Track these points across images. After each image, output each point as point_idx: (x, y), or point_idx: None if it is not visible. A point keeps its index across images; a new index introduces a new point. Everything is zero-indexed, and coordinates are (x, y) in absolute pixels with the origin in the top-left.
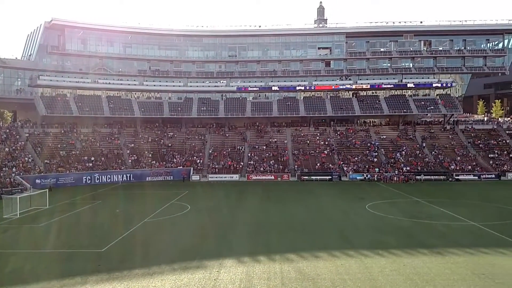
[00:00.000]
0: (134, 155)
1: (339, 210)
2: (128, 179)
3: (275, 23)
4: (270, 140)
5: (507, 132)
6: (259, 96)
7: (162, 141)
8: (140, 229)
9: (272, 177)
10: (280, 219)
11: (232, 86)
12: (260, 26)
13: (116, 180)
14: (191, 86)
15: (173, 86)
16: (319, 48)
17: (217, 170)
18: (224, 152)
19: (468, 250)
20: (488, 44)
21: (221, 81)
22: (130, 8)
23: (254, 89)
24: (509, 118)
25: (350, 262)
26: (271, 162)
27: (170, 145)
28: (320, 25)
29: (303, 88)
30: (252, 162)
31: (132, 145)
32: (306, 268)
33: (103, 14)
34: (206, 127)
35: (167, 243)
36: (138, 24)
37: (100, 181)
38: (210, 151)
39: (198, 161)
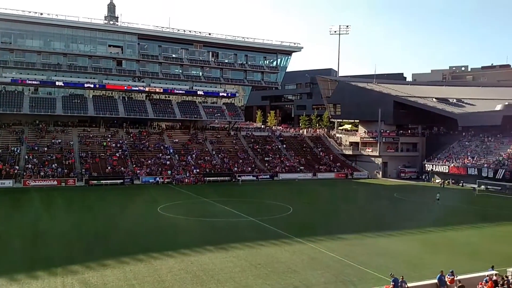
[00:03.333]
0: None
1: (131, 215)
2: None
3: (61, 13)
4: (53, 141)
5: (279, 138)
6: (40, 91)
7: None
8: None
9: (55, 182)
10: (64, 229)
11: (5, 77)
12: (42, 14)
13: None
14: None
15: None
16: (110, 46)
17: None
18: None
19: (248, 244)
20: (265, 61)
21: None
22: None
23: (34, 82)
24: (280, 127)
25: (139, 267)
26: (54, 165)
27: None
28: (111, 22)
29: (92, 86)
30: (30, 165)
31: None
32: (92, 278)
33: None
34: None
35: None
36: None
37: None
38: None
39: None
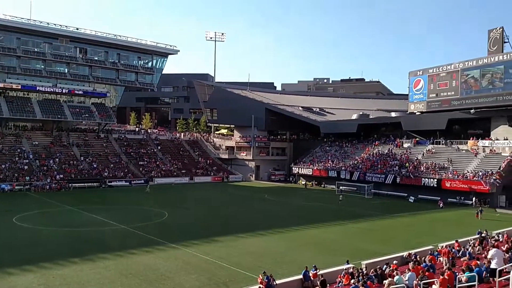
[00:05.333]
0: None
1: None
2: None
3: None
4: None
5: (155, 142)
6: None
7: None
8: None
9: None
10: None
11: None
12: None
13: None
14: None
15: None
16: None
17: None
18: None
19: (118, 253)
20: (140, 61)
21: None
22: None
23: None
24: (156, 130)
25: None
26: None
27: None
28: None
29: None
30: None
31: None
32: None
33: None
34: None
35: None
36: None
37: None
38: None
39: None
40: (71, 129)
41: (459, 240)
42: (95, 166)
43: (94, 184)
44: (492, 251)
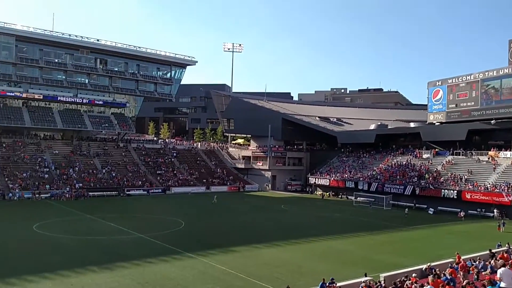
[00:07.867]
0: None
1: (2, 234)
2: None
3: None
4: None
5: (172, 151)
6: None
7: None
8: None
9: None
10: None
11: None
12: None
13: None
14: None
15: None
16: None
17: None
18: None
19: (135, 262)
20: (159, 72)
21: None
22: None
23: None
24: (174, 139)
25: None
26: None
27: None
28: None
29: None
30: None
31: None
32: None
33: None
34: None
35: None
36: None
37: None
38: None
39: None
40: (91, 139)
41: (465, 256)
42: (113, 175)
43: (113, 193)
44: (500, 271)
